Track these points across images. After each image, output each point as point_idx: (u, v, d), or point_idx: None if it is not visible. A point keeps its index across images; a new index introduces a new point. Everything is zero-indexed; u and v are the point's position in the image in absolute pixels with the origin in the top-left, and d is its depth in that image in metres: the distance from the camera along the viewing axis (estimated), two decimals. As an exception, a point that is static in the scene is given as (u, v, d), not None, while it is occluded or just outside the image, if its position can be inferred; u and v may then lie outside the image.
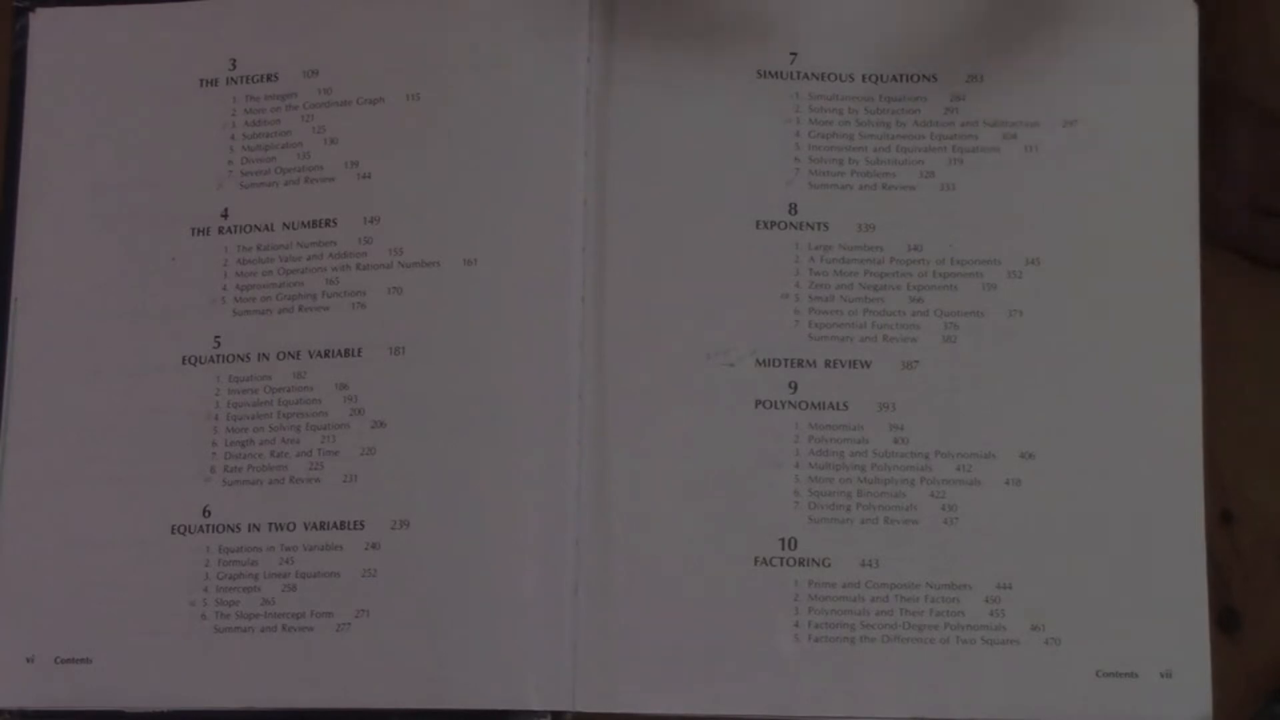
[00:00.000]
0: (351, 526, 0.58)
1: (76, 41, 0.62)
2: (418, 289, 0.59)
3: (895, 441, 0.58)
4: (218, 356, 0.60)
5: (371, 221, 0.60)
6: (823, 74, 0.60)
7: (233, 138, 0.61)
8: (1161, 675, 0.56)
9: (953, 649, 0.57)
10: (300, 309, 0.60)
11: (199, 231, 0.61)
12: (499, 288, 0.59)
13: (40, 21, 0.63)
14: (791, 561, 0.57)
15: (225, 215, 0.61)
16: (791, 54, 0.60)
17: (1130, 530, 0.57)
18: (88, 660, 0.58)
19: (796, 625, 0.57)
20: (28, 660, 0.58)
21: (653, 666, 0.57)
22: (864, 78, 0.60)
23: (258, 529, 0.59)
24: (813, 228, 0.59)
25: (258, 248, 0.60)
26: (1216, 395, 0.58)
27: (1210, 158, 0.59)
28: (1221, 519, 0.59)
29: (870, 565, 0.57)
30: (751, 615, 0.57)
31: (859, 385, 0.58)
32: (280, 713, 0.57)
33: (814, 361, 0.59)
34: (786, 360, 0.59)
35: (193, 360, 0.60)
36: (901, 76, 0.60)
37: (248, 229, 0.61)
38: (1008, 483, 0.58)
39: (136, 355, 0.60)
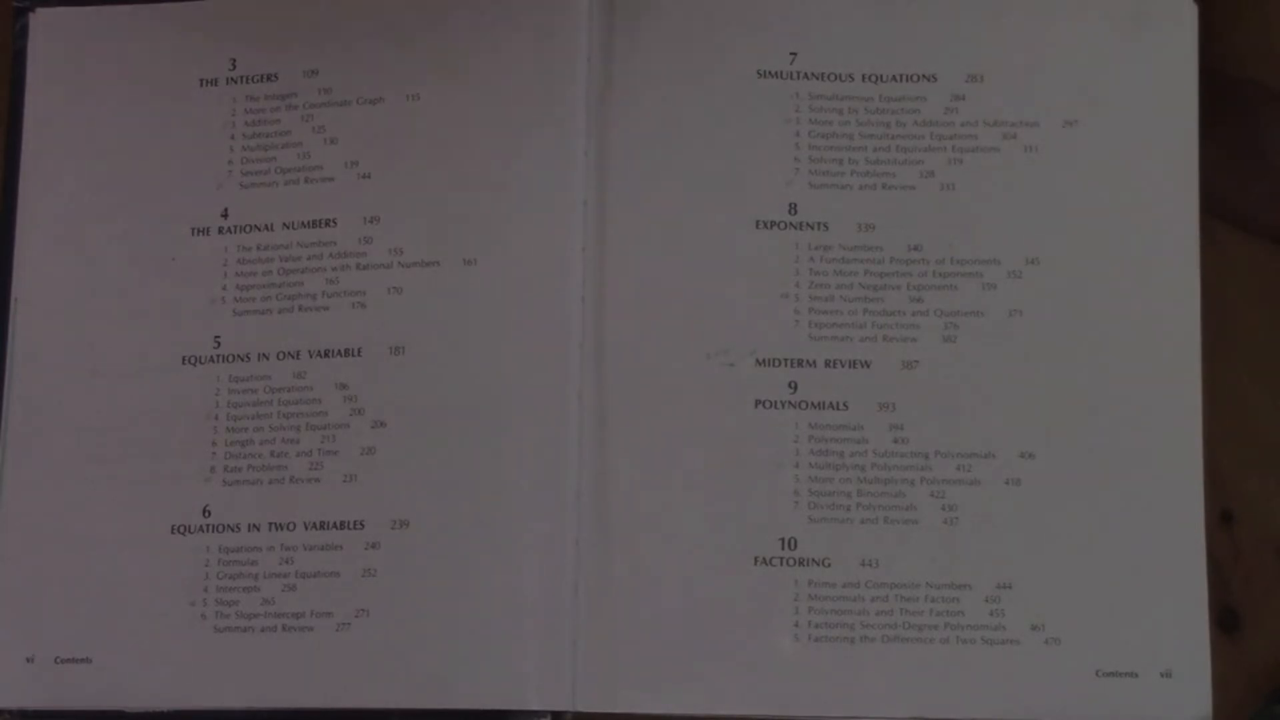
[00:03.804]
0: (351, 526, 0.58)
1: (76, 41, 0.62)
2: (418, 289, 0.59)
3: (895, 441, 0.58)
4: (218, 356, 0.60)
5: (371, 221, 0.60)
6: (823, 74, 0.60)
7: (233, 138, 0.61)
8: (1161, 675, 0.56)
9: (953, 649, 0.57)
10: (300, 309, 0.60)
11: (199, 231, 0.61)
12: (499, 288, 0.59)
13: (40, 21, 0.63)
14: (791, 561, 0.57)
15: (225, 215, 0.61)
16: (791, 54, 0.60)
17: (1130, 530, 0.57)
18: (88, 660, 0.58)
19: (796, 625, 0.57)
20: (28, 660, 0.58)
21: (653, 666, 0.57)
22: (864, 78, 0.60)
23: (258, 529, 0.59)
24: (813, 228, 0.59)
25: (258, 248, 0.60)
26: (1216, 395, 0.58)
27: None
28: (1221, 519, 0.59)
29: (870, 565, 0.57)
30: (751, 615, 0.57)
31: (859, 385, 0.58)
32: (280, 713, 0.57)
33: (814, 361, 0.59)
34: (786, 360, 0.59)
35: (193, 360, 0.60)
36: (901, 76, 0.60)
37: (248, 229, 0.61)
38: (1008, 483, 0.58)
39: (136, 355, 0.60)
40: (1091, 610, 0.57)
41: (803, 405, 0.58)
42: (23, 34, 0.63)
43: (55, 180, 0.62)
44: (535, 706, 0.56)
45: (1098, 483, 0.58)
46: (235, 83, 0.62)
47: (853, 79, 0.60)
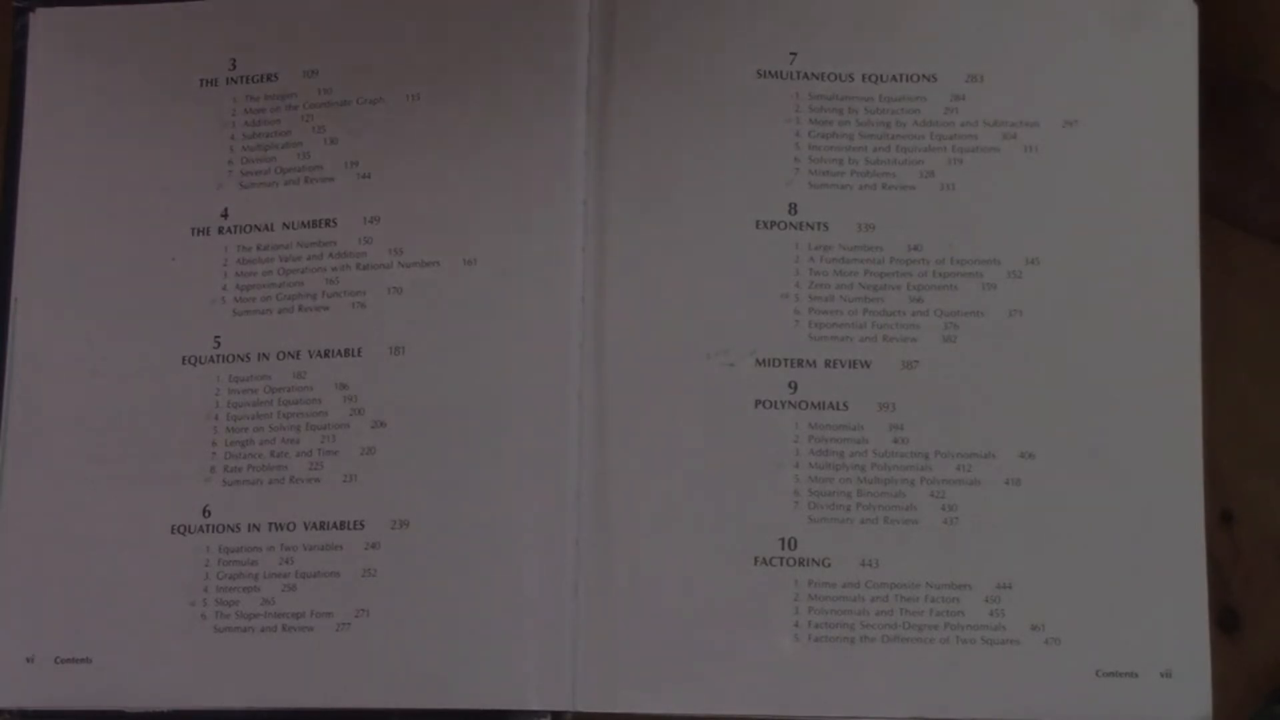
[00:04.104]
0: (351, 526, 0.58)
1: (76, 41, 0.62)
2: (418, 289, 0.59)
3: (895, 441, 0.58)
4: (218, 356, 0.60)
5: (371, 221, 0.60)
6: (823, 74, 0.60)
7: (233, 138, 0.61)
8: (1161, 675, 0.56)
9: (953, 649, 0.57)
10: (300, 309, 0.60)
11: (199, 231, 0.61)
12: (499, 288, 0.59)
13: (40, 21, 0.63)
14: (791, 561, 0.57)
15: (225, 215, 0.61)
16: (791, 54, 0.60)
17: (1130, 530, 0.57)
18: (88, 660, 0.58)
19: (796, 625, 0.57)
20: (28, 660, 0.58)
21: (653, 666, 0.57)
22: (864, 78, 0.60)
23: (258, 529, 0.59)
24: (813, 228, 0.59)
25: (258, 248, 0.60)
26: (1216, 395, 0.58)
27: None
28: (1221, 519, 0.59)
29: (870, 565, 0.57)
30: (751, 615, 0.57)
31: (859, 385, 0.58)
32: (280, 713, 0.57)
33: (814, 361, 0.59)
34: (786, 360, 0.59)
35: (193, 360, 0.60)
36: (901, 76, 0.60)
37: (248, 229, 0.61)
38: (1008, 483, 0.58)
39: (136, 355, 0.60)
40: (1091, 610, 0.57)
41: (803, 405, 0.58)
42: (23, 34, 0.63)
43: (55, 180, 0.62)
44: (535, 706, 0.56)
45: (1098, 483, 0.58)
46: (235, 83, 0.62)
47: (853, 79, 0.60)
